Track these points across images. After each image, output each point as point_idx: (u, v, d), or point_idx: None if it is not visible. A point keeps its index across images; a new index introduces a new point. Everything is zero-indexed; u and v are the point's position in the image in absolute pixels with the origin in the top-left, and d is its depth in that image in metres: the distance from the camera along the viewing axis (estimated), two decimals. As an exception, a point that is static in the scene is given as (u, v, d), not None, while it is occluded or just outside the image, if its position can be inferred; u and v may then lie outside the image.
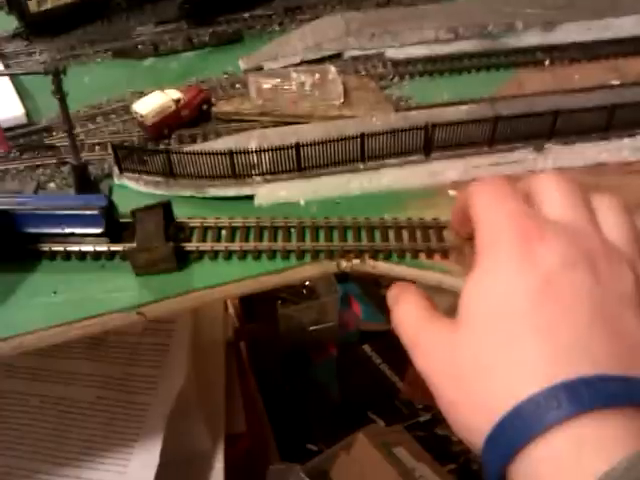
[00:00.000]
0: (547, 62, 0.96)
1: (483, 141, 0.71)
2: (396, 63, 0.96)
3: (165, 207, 0.60)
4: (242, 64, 0.94)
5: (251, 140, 0.72)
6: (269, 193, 0.69)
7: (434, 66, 0.97)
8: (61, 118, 0.65)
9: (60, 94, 0.60)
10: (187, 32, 1.02)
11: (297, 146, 0.67)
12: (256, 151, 0.68)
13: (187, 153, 0.67)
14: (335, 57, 0.97)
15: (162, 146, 0.77)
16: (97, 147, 0.78)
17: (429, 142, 0.69)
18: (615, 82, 0.90)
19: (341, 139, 0.69)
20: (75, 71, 0.96)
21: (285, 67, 0.95)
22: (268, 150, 0.68)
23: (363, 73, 0.92)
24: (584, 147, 0.73)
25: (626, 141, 0.74)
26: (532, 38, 1.02)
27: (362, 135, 0.69)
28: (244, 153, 0.68)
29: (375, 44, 0.97)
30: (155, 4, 1.09)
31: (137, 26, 1.04)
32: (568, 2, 1.08)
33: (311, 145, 0.68)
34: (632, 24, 1.07)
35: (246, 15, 1.09)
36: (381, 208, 0.69)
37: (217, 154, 0.67)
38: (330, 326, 1.47)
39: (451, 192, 0.69)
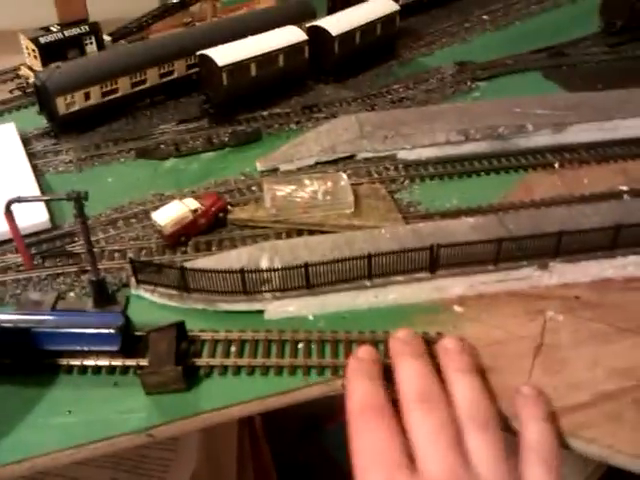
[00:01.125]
0: (556, 164, 0.98)
1: (488, 259, 0.73)
2: (407, 165, 0.99)
3: (178, 327, 0.63)
4: (259, 165, 0.98)
5: (263, 253, 0.75)
6: (278, 308, 0.71)
7: (445, 169, 1.00)
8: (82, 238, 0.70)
9: (82, 218, 0.63)
10: (207, 132, 1.06)
11: (306, 265, 0.70)
12: (266, 270, 0.71)
13: (200, 270, 0.70)
14: (349, 158, 1.00)
15: (179, 254, 0.80)
16: (116, 254, 0.81)
17: (435, 261, 0.72)
18: (623, 187, 0.92)
19: (348, 259, 0.71)
20: (99, 171, 1.00)
21: (300, 169, 0.99)
22: (278, 270, 0.71)
23: (375, 176, 0.95)
24: (588, 264, 0.75)
25: (631, 258, 0.76)
26: (542, 139, 1.05)
27: (369, 255, 0.71)
28: (255, 272, 0.70)
29: (387, 146, 1.00)
30: (178, 103, 1.14)
31: (160, 124, 1.09)
32: (577, 103, 1.11)
33: (319, 265, 0.71)
34: (635, 126, 1.10)
35: (265, 113, 1.13)
36: (387, 323, 0.71)
37: (229, 272, 0.69)
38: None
39: (456, 308, 0.71)
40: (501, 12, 1.55)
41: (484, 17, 1.50)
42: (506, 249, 0.75)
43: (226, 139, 1.02)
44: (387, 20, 1.25)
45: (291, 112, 1.12)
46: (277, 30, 1.15)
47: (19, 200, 0.66)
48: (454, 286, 0.72)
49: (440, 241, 0.72)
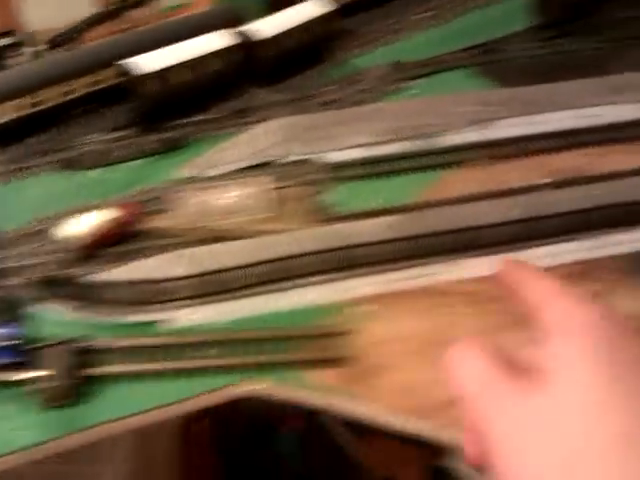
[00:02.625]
0: (483, 160, 0.99)
1: (400, 257, 0.74)
2: (334, 167, 1.00)
3: (75, 340, 0.63)
4: (185, 172, 0.98)
5: (181, 260, 0.75)
6: (191, 315, 0.72)
7: (372, 169, 1.01)
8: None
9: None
10: (135, 140, 1.06)
11: (220, 271, 0.71)
12: (176, 278, 0.72)
13: (106, 283, 0.71)
14: (274, 163, 1.01)
15: (94, 265, 0.80)
16: (29, 269, 0.82)
17: (349, 261, 0.73)
18: (545, 180, 0.93)
19: (264, 262, 0.72)
20: (27, 183, 1.00)
21: (226, 174, 0.99)
22: (188, 277, 0.71)
23: (302, 178, 0.96)
24: (491, 259, 0.76)
25: (544, 249, 0.77)
26: (470, 135, 1.06)
27: (286, 257, 0.72)
28: (166, 280, 0.71)
29: (314, 148, 1.01)
30: (109, 111, 1.14)
31: (89, 134, 1.09)
32: (507, 98, 1.12)
33: (235, 269, 0.72)
34: (565, 118, 1.11)
35: (194, 119, 1.12)
36: (301, 323, 0.73)
37: (137, 283, 0.70)
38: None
39: (368, 306, 0.73)
40: (441, 9, 1.56)
41: (424, 14, 1.51)
42: (417, 246, 0.76)
43: (154, 146, 1.03)
44: (323, 21, 1.25)
45: (221, 117, 1.12)
46: (205, 35, 1.16)
47: None
48: (364, 285, 0.74)
49: (357, 241, 0.73)
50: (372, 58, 1.40)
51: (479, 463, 0.39)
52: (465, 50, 1.45)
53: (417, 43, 1.48)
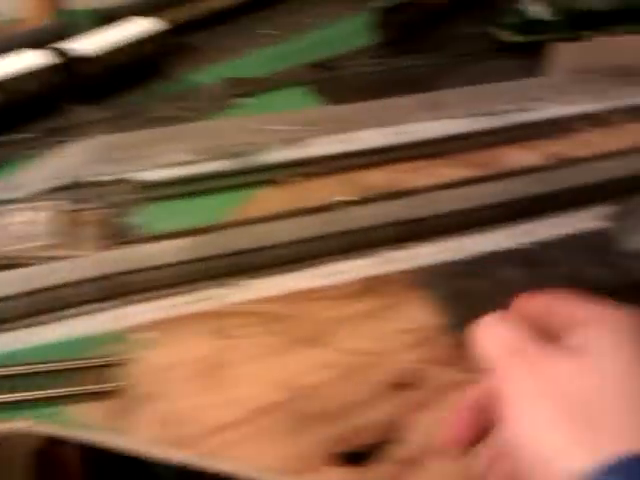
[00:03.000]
0: (288, 179, 1.00)
1: (180, 281, 0.73)
2: (144, 187, 0.98)
3: None
4: None
5: None
6: None
7: (183, 188, 0.99)
8: None
9: None
10: None
11: None
12: None
13: None
14: (81, 183, 0.98)
15: None
16: None
17: (127, 287, 0.72)
18: (346, 198, 0.95)
19: (30, 292, 0.70)
20: None
21: (25, 197, 0.95)
22: None
23: (107, 200, 0.94)
24: (278, 279, 0.77)
25: (322, 269, 0.78)
26: (279, 154, 1.07)
27: (54, 287, 0.70)
28: None
29: (126, 167, 0.99)
30: None
31: None
32: (321, 116, 1.15)
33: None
34: (380, 135, 1.15)
35: (6, 139, 1.09)
36: (73, 354, 0.71)
37: None
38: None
39: (144, 334, 0.71)
40: (281, 28, 1.57)
41: (264, 33, 1.52)
42: (205, 269, 0.75)
43: None
44: (151, 39, 1.24)
45: (36, 137, 1.09)
46: (22, 53, 1.13)
47: None
48: (139, 313, 0.72)
49: (127, 267, 0.72)
50: (208, 75, 1.39)
51: (464, 443, 0.42)
52: (304, 67, 1.47)
53: (256, 60, 1.49)
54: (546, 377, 0.39)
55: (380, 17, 1.70)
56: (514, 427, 0.38)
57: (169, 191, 0.96)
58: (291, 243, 0.78)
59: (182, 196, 0.95)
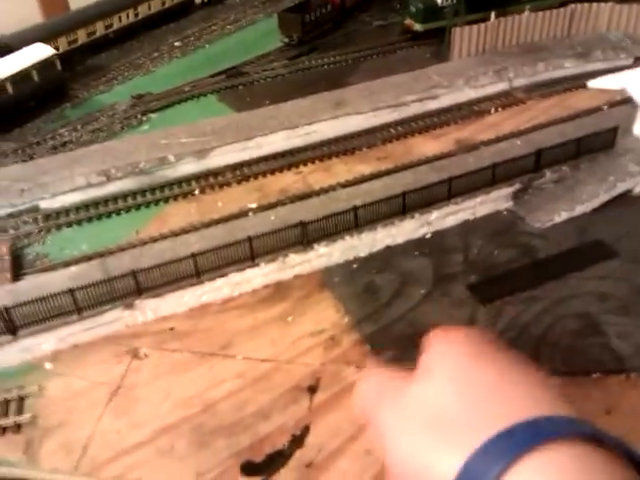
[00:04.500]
0: (197, 191, 1.09)
1: (76, 309, 0.81)
2: (48, 215, 1.04)
3: None
4: None
5: None
6: None
7: (85, 213, 1.05)
8: None
9: None
10: None
11: None
12: None
13: None
14: None
15: None
16: None
17: (12, 323, 0.78)
18: (252, 205, 1.05)
19: None
20: None
21: None
22: None
23: (10, 232, 1.00)
24: (180, 294, 0.85)
25: (222, 280, 0.87)
26: (185, 168, 1.15)
27: None
28: None
29: (26, 199, 1.05)
30: None
31: None
32: (223, 126, 1.24)
33: None
34: (280, 139, 1.26)
35: None
36: None
37: None
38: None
39: (47, 365, 0.78)
40: (193, 37, 1.65)
41: (175, 44, 1.59)
42: (93, 295, 0.82)
43: None
44: (45, 65, 1.29)
45: None
46: None
47: None
48: (42, 343, 0.78)
49: (33, 296, 0.79)
50: (116, 94, 1.46)
51: None
52: (211, 77, 1.56)
53: (163, 74, 1.57)
54: (406, 403, 0.44)
55: (284, 17, 1.80)
56: (394, 452, 0.43)
57: (74, 217, 1.02)
58: (194, 255, 0.86)
59: (88, 220, 1.02)
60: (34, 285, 0.92)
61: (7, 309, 0.81)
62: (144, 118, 1.60)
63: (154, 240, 1.05)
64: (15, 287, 0.87)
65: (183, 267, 1.01)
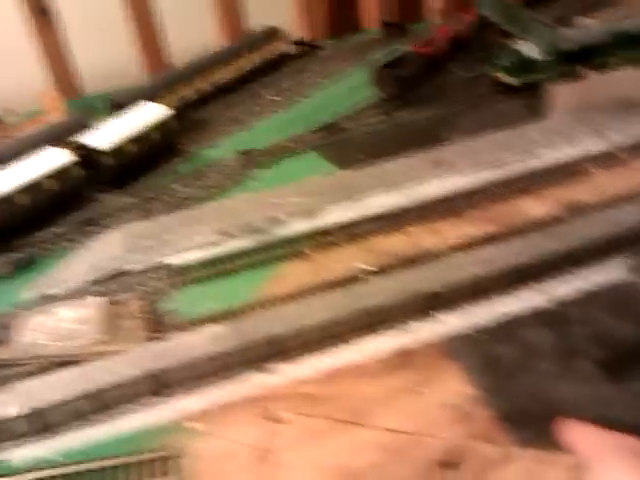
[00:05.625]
0: (309, 250, 0.99)
1: (219, 372, 0.77)
2: (173, 272, 0.98)
3: None
4: (29, 294, 0.96)
5: (12, 397, 0.74)
6: (24, 454, 0.72)
7: (207, 271, 0.99)
8: None
9: None
10: None
11: (39, 410, 0.73)
12: (5, 420, 0.72)
13: None
14: (114, 275, 0.98)
15: None
16: None
17: (163, 384, 0.75)
18: (366, 267, 0.94)
19: (77, 398, 0.74)
20: None
21: (66, 293, 0.96)
22: (16, 418, 0.72)
23: (140, 289, 0.95)
24: (309, 360, 0.79)
25: (347, 347, 0.81)
26: (296, 227, 1.05)
27: (93, 391, 0.74)
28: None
29: (152, 256, 1.01)
30: None
31: None
32: (330, 184, 1.16)
33: (52, 408, 0.73)
34: (387, 199, 1.15)
35: (40, 235, 1.09)
36: (125, 451, 0.72)
37: None
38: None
39: (192, 425, 0.73)
40: (289, 91, 1.56)
41: (274, 98, 1.51)
42: (234, 359, 0.78)
43: (3, 270, 1.01)
44: (160, 124, 1.27)
45: (67, 230, 1.11)
46: (43, 153, 1.16)
47: None
48: (188, 404, 0.75)
49: (172, 360, 0.76)
50: (221, 149, 1.40)
51: None
52: (311, 133, 1.48)
53: (265, 129, 1.50)
54: None
55: (379, 73, 1.72)
56: None
57: (198, 274, 0.98)
58: (320, 323, 0.80)
59: (210, 277, 0.98)
60: (173, 345, 0.88)
61: (152, 373, 0.78)
62: (250, 174, 1.57)
63: (277, 302, 1.00)
64: (155, 349, 0.84)
65: (308, 334, 0.96)
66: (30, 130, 1.37)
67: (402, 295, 0.86)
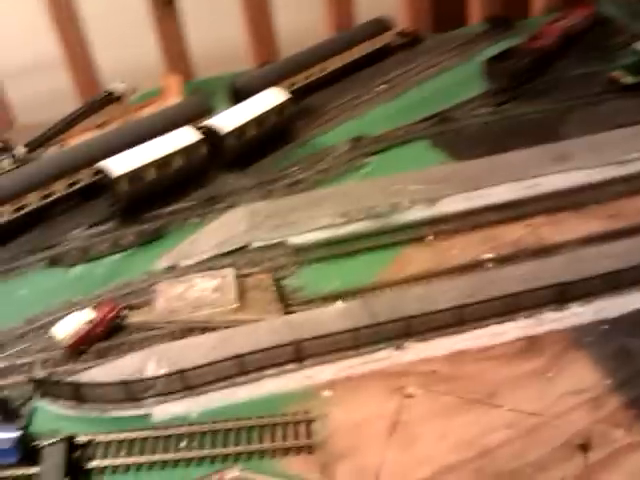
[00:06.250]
0: (430, 237, 4.13)
1: (351, 345, 3.33)
2: (296, 251, 4.43)
3: (70, 438, 3.03)
4: (161, 264, 4.11)
5: (151, 358, 3.27)
6: (164, 410, 3.34)
7: (329, 251, 4.71)
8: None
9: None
10: (114, 234, 4.79)
11: (183, 371, 3.31)
12: (148, 379, 3.37)
13: (89, 384, 3.40)
14: (242, 249, 3.95)
15: (80, 362, 3.45)
16: (24, 367, 3.76)
17: (301, 353, 3.32)
18: (489, 255, 3.49)
19: (222, 360, 3.32)
20: (13, 283, 4.41)
21: (196, 265, 4.25)
22: (159, 377, 3.33)
23: (266, 264, 4.29)
24: (439, 341, 3.28)
25: (486, 329, 3.18)
26: (417, 213, 4.75)
27: (239, 355, 3.31)
28: (137, 381, 3.27)
29: (277, 234, 4.76)
30: (88, 207, 4.46)
31: (72, 230, 4.42)
32: (449, 174, 4.87)
33: (196, 369, 3.28)
34: (506, 190, 3.83)
35: (169, 209, 5.12)
36: (263, 412, 3.24)
37: (113, 384, 3.29)
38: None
39: (325, 393, 3.09)
40: (398, 80, 5.18)
41: (382, 87, 4.92)
42: (366, 334, 2.84)
43: (131, 239, 3.92)
44: (279, 109, 4.47)
45: (193, 205, 4.53)
46: (172, 133, 4.31)
47: None
48: (322, 373, 2.86)
49: (310, 331, 2.86)
50: (333, 136, 6.43)
51: None
52: (420, 122, 4.61)
53: (375, 118, 6.86)
54: None
55: (489, 65, 4.22)
56: None
57: (320, 253, 5.05)
58: (451, 306, 3.19)
59: (333, 258, 4.67)
60: (308, 318, 1.27)
61: (290, 342, 1.03)
62: (365, 161, 2.50)
63: (404, 283, 1.34)
64: (289, 320, 1.13)
65: (440, 316, 1.28)
66: (156, 110, 4.17)
67: (533, 284, 2.96)
